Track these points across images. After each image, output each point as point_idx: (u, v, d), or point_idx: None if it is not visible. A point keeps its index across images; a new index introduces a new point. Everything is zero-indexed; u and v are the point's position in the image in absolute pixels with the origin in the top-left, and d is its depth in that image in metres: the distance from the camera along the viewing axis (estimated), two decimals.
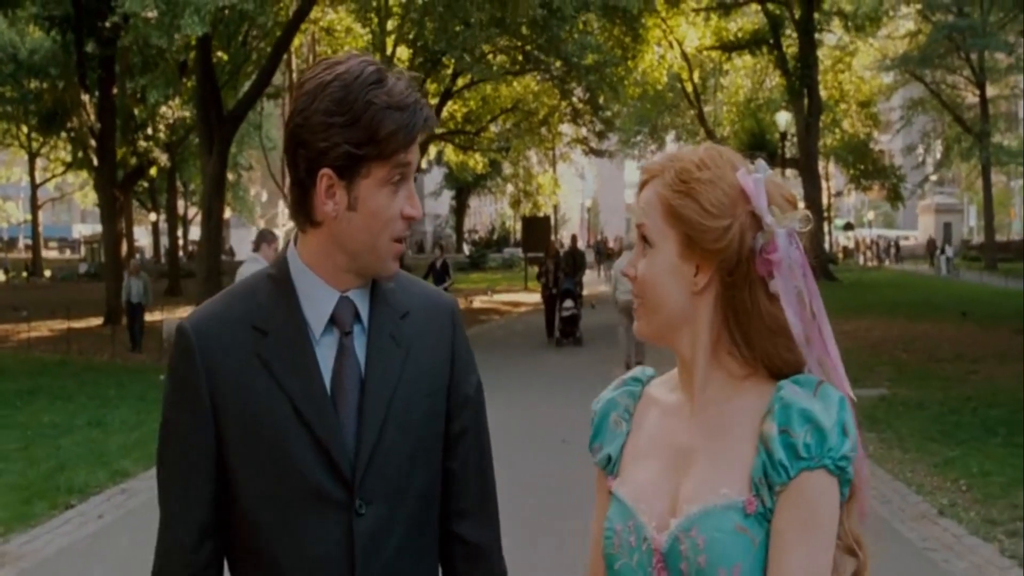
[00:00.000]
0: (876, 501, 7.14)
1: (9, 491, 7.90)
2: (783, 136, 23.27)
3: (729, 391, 1.52)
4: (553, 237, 21.64)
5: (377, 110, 1.55)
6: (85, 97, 25.20)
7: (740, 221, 1.47)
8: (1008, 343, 16.08)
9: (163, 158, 28.98)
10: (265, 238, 9.57)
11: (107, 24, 22.34)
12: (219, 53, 26.47)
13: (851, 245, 65.75)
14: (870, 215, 78.85)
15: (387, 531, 1.63)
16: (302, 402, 1.59)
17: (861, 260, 60.84)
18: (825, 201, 59.15)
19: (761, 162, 1.54)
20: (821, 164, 54.74)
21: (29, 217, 64.83)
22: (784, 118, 22.33)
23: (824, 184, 60.02)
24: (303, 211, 1.62)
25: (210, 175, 20.12)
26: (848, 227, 68.67)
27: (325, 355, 1.64)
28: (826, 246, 57.53)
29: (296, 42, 24.67)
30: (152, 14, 14.80)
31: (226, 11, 15.82)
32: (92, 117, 25.17)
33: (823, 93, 47.34)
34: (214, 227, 20.57)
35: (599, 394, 1.70)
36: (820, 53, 43.65)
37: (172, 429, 1.66)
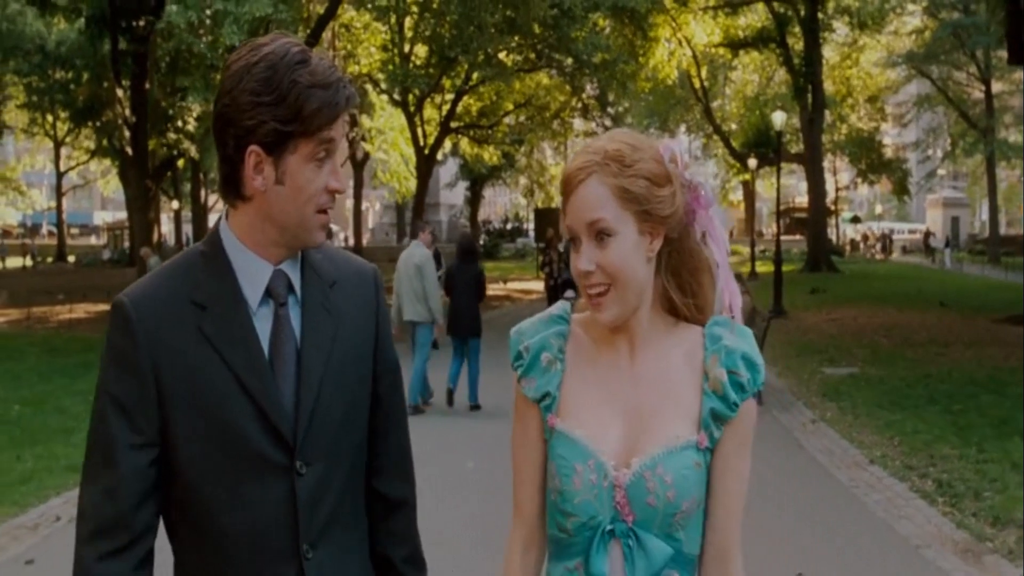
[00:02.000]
0: (819, 452, 8.50)
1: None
2: (779, 135, 24.34)
3: (663, 338, 1.73)
4: (552, 230, 22.37)
5: (302, 89, 1.61)
6: (119, 92, 26.53)
7: (677, 184, 1.68)
8: (981, 331, 17.32)
9: (192, 149, 30.34)
10: (420, 227, 11.53)
11: (140, 23, 23.76)
12: None
13: (858, 238, 66.68)
14: (878, 208, 79.74)
15: (325, 489, 1.71)
16: (244, 372, 1.66)
17: (868, 253, 61.83)
18: (832, 195, 60.34)
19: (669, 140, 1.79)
20: (829, 158, 55.91)
21: (52, 204, 66.37)
22: (780, 117, 23.41)
23: (832, 178, 61.23)
24: (233, 187, 1.69)
25: None
26: (855, 220, 69.66)
27: (262, 326, 1.70)
28: (833, 239, 58.75)
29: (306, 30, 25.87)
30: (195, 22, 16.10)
31: (263, 21, 17.10)
32: (126, 111, 26.51)
33: (831, 88, 48.46)
34: None
35: (525, 321, 1.83)
36: (828, 49, 44.75)
37: (114, 400, 1.67)
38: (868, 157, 52.69)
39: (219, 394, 1.65)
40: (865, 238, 65.59)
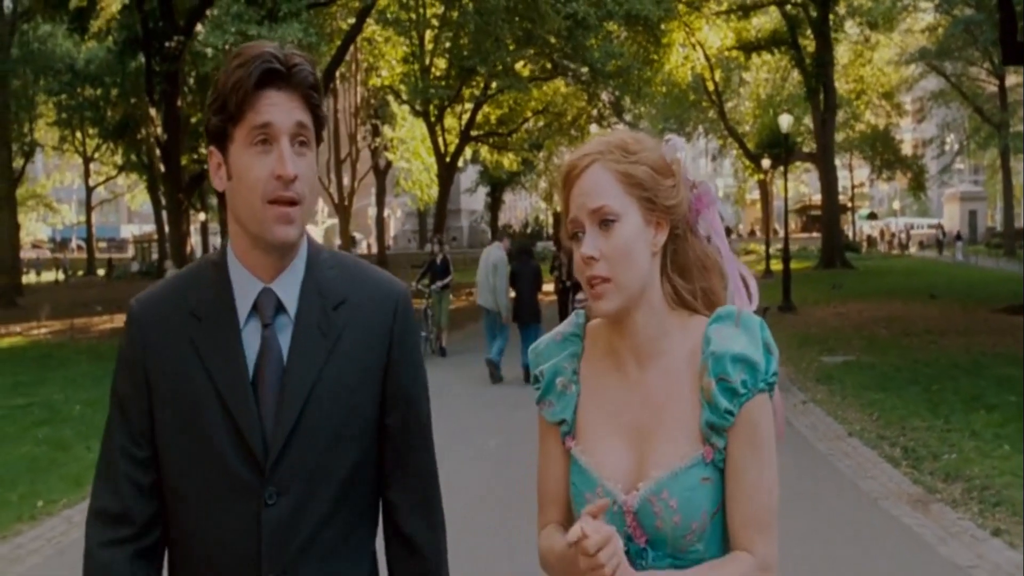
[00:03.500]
0: (804, 428, 9.48)
1: None
2: (786, 137, 25.27)
3: (671, 342, 1.68)
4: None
5: (226, 76, 1.61)
6: (152, 110, 27.76)
7: (680, 178, 1.68)
8: (978, 321, 18.18)
9: None
10: (500, 236, 14.00)
11: (172, 43, 24.93)
12: None
13: (875, 234, 67.26)
14: (896, 204, 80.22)
15: (300, 520, 1.65)
16: (224, 388, 1.64)
17: (884, 248, 62.41)
18: (848, 192, 60.97)
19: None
20: (844, 156, 56.62)
21: (81, 219, 67.87)
22: (786, 120, 24.35)
23: (848, 175, 61.88)
24: (219, 198, 2.40)
25: None
26: (872, 216, 70.27)
27: (251, 344, 1.67)
28: (850, 235, 59.41)
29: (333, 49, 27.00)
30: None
31: (294, 43, 18.19)
32: (159, 129, 27.73)
33: (845, 87, 49.23)
34: None
35: (540, 340, 1.85)
36: (841, 48, 45.53)
37: (118, 400, 1.72)
38: (883, 154, 53.38)
39: (200, 407, 1.64)
40: (882, 234, 66.16)
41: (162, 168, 28.30)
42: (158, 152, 28.25)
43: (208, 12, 22.01)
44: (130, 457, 1.69)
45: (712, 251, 1.74)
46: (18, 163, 38.53)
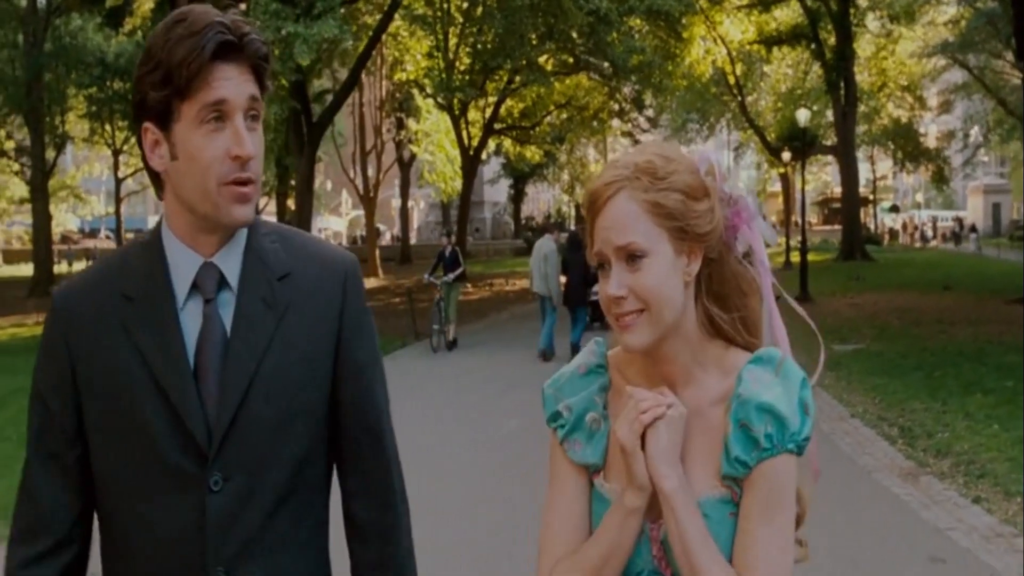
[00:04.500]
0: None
1: None
2: (804, 131, 25.75)
3: (706, 374, 1.57)
4: (575, 226, 23.62)
5: (171, 45, 1.48)
6: None
7: (715, 198, 1.54)
8: (989, 311, 18.65)
9: None
10: (551, 229, 15.82)
11: None
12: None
13: (897, 226, 67.40)
14: (919, 196, 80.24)
15: (248, 507, 1.56)
16: (161, 371, 1.54)
17: (908, 241, 62.59)
18: (870, 184, 61.15)
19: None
20: (866, 149, 56.84)
21: (109, 210, 69.08)
22: (804, 115, 24.84)
23: (870, 168, 62.06)
24: (151, 176, 1.60)
25: (301, 174, 23.35)
26: (894, 209, 70.35)
27: (191, 323, 1.58)
28: (872, 228, 59.65)
29: (361, 46, 27.67)
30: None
31: (329, 43, 18.92)
32: None
33: (867, 80, 49.47)
34: (304, 218, 23.80)
35: (559, 373, 1.69)
36: (863, 41, 45.81)
37: (40, 398, 1.63)
38: (905, 146, 53.57)
39: (135, 393, 1.55)
40: (904, 226, 66.30)
41: None
42: None
43: (246, 10, 22.70)
44: (52, 458, 1.60)
45: (750, 273, 1.62)
46: (50, 155, 39.38)
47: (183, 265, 1.59)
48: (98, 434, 1.59)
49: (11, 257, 61.55)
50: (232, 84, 1.50)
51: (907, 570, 5.45)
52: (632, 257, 1.50)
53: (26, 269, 45.95)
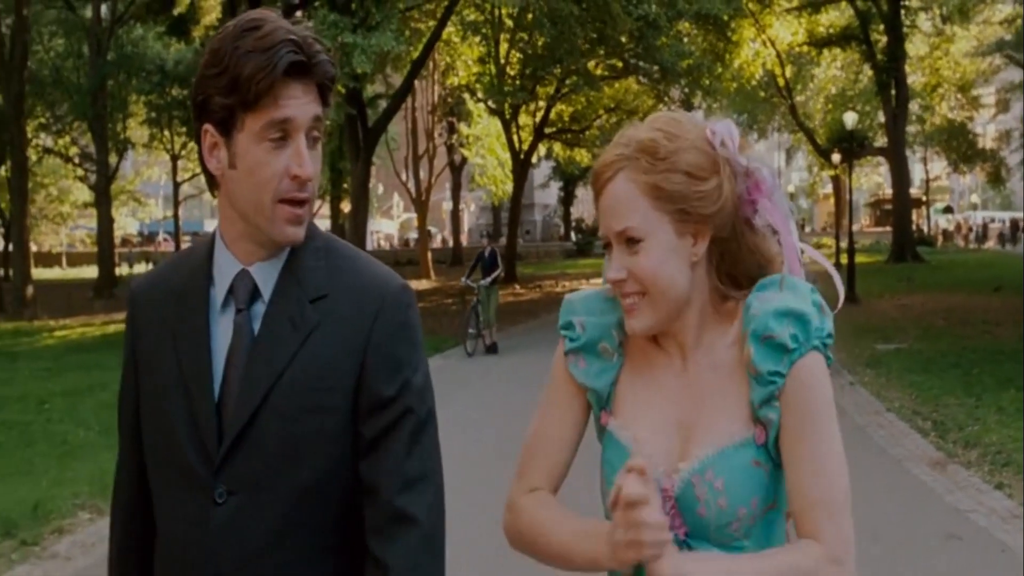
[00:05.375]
0: (848, 405, 10.44)
1: None
2: (851, 134, 25.97)
3: (718, 332, 1.54)
4: None
5: (241, 54, 1.48)
6: None
7: (726, 175, 1.49)
8: None
9: None
10: None
11: None
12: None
13: (951, 228, 66.78)
14: (974, 197, 79.32)
15: (251, 524, 1.54)
16: (188, 373, 1.57)
17: (961, 243, 61.99)
18: (922, 186, 60.72)
19: (697, 113, 1.70)
20: (919, 150, 56.51)
21: (167, 213, 70.73)
22: (852, 118, 25.10)
23: (923, 169, 61.62)
24: (206, 175, 1.61)
25: (357, 179, 24.08)
26: (947, 210, 69.71)
27: (225, 330, 1.59)
28: (924, 229, 59.23)
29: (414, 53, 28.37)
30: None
31: (386, 52, 19.59)
32: None
33: (920, 80, 49.25)
34: (360, 222, 24.54)
35: (586, 290, 1.68)
36: (916, 40, 45.66)
37: (123, 377, 1.73)
38: (959, 147, 53.19)
39: (168, 389, 1.59)
40: (958, 228, 65.67)
41: None
42: None
43: (302, 16, 23.43)
44: (129, 430, 1.70)
45: (769, 247, 1.56)
46: (112, 160, 40.62)
47: (224, 270, 1.61)
48: (144, 426, 1.65)
49: (74, 260, 63.33)
50: (298, 104, 1.50)
51: (925, 545, 5.88)
52: (631, 240, 1.48)
53: (89, 271, 47.39)
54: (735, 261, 1.56)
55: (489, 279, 16.15)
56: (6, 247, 35.17)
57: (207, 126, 1.54)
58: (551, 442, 1.62)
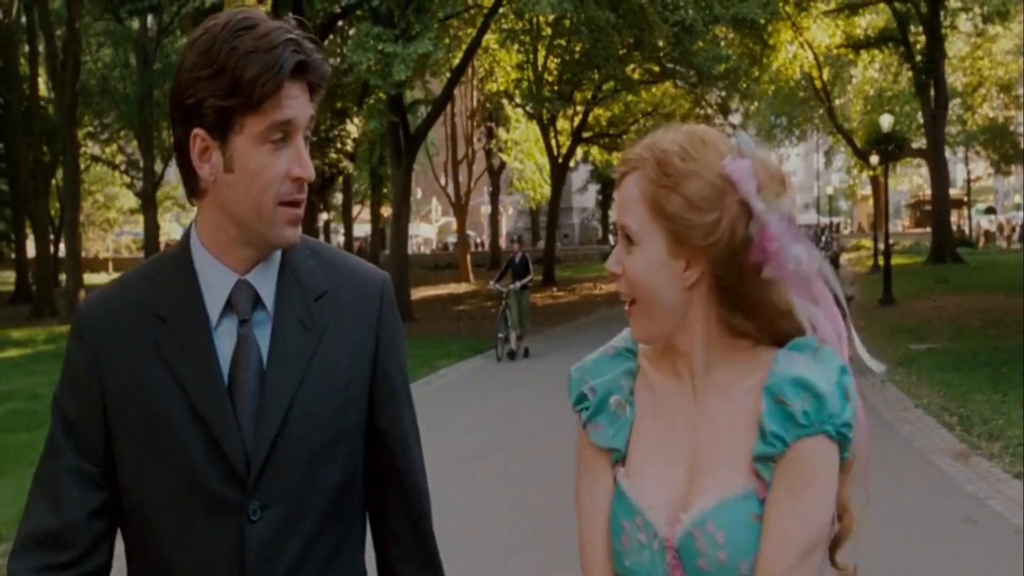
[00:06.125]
0: (877, 402, 10.77)
1: None
2: (887, 136, 26.12)
3: (732, 377, 1.48)
4: None
5: (241, 55, 1.42)
6: None
7: (731, 213, 1.42)
8: None
9: (350, 166, 33.90)
10: None
11: None
12: None
13: (993, 228, 66.23)
14: (1017, 198, 78.50)
15: (288, 536, 1.51)
16: (197, 395, 1.48)
17: (1004, 243, 61.46)
18: (963, 186, 60.31)
19: (744, 137, 1.48)
20: (960, 150, 56.20)
21: None
22: (888, 120, 25.27)
23: (964, 169, 61.23)
24: (188, 181, 1.52)
25: (399, 185, 24.63)
26: (990, 211, 69.15)
27: (225, 344, 1.52)
28: (965, 230, 58.85)
29: (454, 60, 28.88)
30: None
31: (426, 58, 20.14)
32: None
33: (961, 80, 49.05)
34: (402, 227, 25.09)
35: (588, 357, 1.63)
36: (958, 40, 45.51)
37: (63, 416, 1.54)
38: (1001, 147, 52.84)
39: (170, 417, 1.48)
40: (1001, 228, 65.13)
41: None
42: None
43: (344, 28, 24.07)
44: (79, 473, 1.52)
45: (787, 302, 1.47)
46: (158, 168, 41.61)
47: (216, 283, 1.53)
48: (133, 457, 1.51)
49: (120, 265, 64.65)
50: (298, 104, 1.47)
51: (943, 529, 6.25)
52: (628, 239, 1.48)
53: None
54: (749, 306, 1.47)
55: (519, 284, 16.07)
56: (55, 253, 36.12)
57: (198, 131, 1.46)
58: (598, 527, 1.54)
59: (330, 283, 1.59)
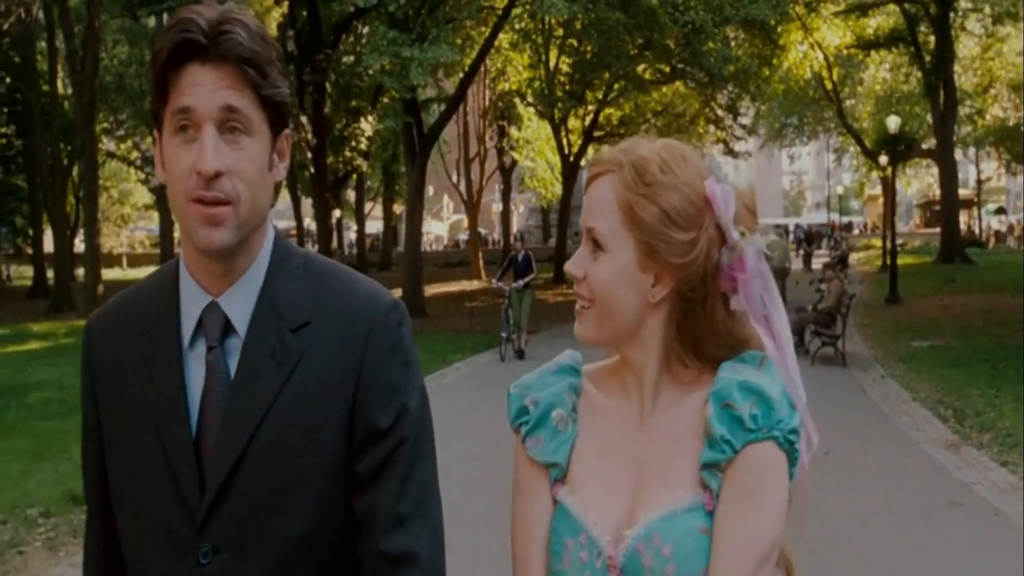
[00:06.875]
0: (876, 396, 11.13)
1: None
2: (895, 137, 26.44)
3: (679, 395, 1.45)
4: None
5: (158, 43, 1.36)
6: (303, 118, 30.53)
7: (707, 235, 1.39)
8: None
9: (364, 164, 34.32)
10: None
11: (320, 56, 27.58)
12: None
13: (1003, 229, 66.36)
14: None
15: None
16: (162, 422, 1.40)
17: (1013, 244, 61.56)
18: (974, 187, 60.45)
19: (717, 161, 1.45)
20: (970, 151, 56.36)
21: None
22: (894, 121, 25.57)
23: (974, 169, 61.37)
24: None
25: (412, 183, 25.05)
26: (1000, 211, 69.28)
27: (197, 371, 1.42)
28: (975, 230, 59.03)
29: (467, 60, 29.30)
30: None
31: (441, 63, 20.53)
32: (308, 134, 30.48)
33: (972, 81, 49.21)
34: (415, 225, 25.51)
35: (528, 374, 1.56)
36: (968, 40, 45.69)
37: (84, 423, 1.54)
38: (1012, 147, 52.97)
39: (143, 446, 1.41)
40: (1011, 229, 65.25)
41: (311, 170, 31.06)
42: (308, 155, 31.04)
43: (358, 28, 24.43)
44: (97, 486, 1.52)
45: (742, 329, 1.44)
46: None
47: (191, 303, 1.44)
48: (112, 483, 1.48)
49: (134, 261, 65.31)
50: (201, 91, 1.34)
51: (929, 511, 6.62)
52: (596, 244, 1.42)
53: (150, 272, 48.89)
54: (704, 333, 1.43)
55: (522, 283, 15.93)
56: (71, 248, 36.65)
57: (155, 132, 1.42)
58: (533, 547, 1.47)
59: (315, 311, 1.44)
